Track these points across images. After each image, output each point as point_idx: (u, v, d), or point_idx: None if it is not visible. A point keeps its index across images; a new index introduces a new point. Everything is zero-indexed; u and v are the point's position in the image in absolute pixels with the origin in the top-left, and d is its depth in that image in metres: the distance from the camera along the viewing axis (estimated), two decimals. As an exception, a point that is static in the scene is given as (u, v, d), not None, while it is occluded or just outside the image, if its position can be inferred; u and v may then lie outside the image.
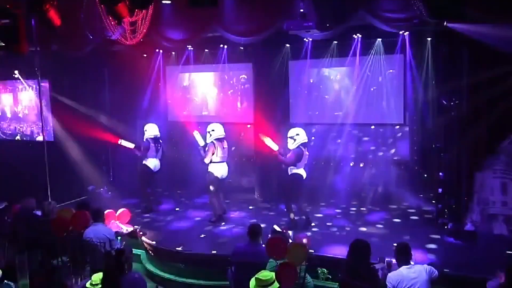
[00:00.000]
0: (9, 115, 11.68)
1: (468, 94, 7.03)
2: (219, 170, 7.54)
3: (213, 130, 7.55)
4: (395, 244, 4.70)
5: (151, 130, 8.37)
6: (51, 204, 6.34)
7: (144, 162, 8.39)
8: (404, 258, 4.35)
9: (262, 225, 5.37)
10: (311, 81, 9.08)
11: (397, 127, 8.66)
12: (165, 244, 6.82)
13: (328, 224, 7.50)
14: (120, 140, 8.41)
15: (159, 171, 8.57)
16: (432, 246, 6.46)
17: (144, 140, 8.41)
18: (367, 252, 4.28)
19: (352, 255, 4.31)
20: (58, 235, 5.65)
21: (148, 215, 8.33)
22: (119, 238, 6.12)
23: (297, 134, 7.15)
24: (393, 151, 8.76)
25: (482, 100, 7.04)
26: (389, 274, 4.37)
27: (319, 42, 8.24)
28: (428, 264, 4.48)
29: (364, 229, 7.31)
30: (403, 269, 4.26)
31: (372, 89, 8.50)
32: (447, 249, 6.40)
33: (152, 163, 8.35)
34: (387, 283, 4.25)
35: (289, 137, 7.20)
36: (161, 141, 8.59)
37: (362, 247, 4.30)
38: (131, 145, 8.48)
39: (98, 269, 4.58)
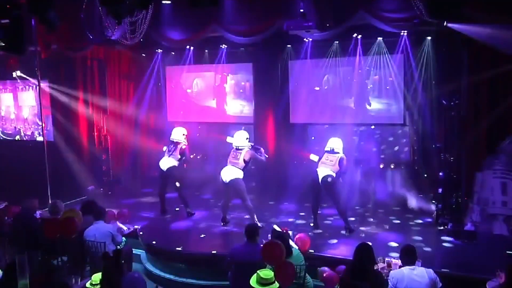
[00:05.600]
0: (12, 116, 11.68)
1: (468, 94, 7.05)
2: (222, 171, 7.41)
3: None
4: (395, 244, 4.69)
5: (171, 134, 8.24)
6: (57, 203, 6.32)
7: None
8: (408, 259, 4.35)
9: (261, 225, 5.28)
10: (311, 81, 9.07)
11: (397, 127, 8.66)
12: (165, 244, 6.82)
13: (327, 222, 7.51)
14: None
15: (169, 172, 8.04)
16: (432, 246, 6.46)
17: None
18: (371, 255, 4.30)
19: (356, 258, 4.32)
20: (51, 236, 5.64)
21: (148, 215, 8.32)
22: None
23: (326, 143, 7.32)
24: (393, 151, 8.77)
25: (482, 100, 7.07)
26: (390, 272, 4.39)
27: (319, 42, 8.26)
28: (429, 266, 4.49)
29: (363, 228, 7.32)
30: (405, 268, 4.27)
31: (371, 88, 8.52)
32: (447, 249, 6.41)
33: (161, 161, 8.08)
34: (388, 280, 4.26)
35: None
36: (180, 144, 8.06)
37: (366, 250, 4.31)
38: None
39: (98, 269, 4.58)
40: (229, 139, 7.74)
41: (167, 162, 8.04)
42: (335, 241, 6.73)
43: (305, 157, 7.82)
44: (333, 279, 5.05)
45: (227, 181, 7.26)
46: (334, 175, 7.01)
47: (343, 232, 7.05)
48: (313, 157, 7.46)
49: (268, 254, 4.46)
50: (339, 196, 7.12)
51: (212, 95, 10.24)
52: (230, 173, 7.25)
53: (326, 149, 7.23)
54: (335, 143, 7.19)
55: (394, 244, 6.39)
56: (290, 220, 7.78)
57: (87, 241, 5.61)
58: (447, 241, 6.67)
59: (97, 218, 5.82)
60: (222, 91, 10.15)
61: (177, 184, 8.06)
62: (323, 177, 7.00)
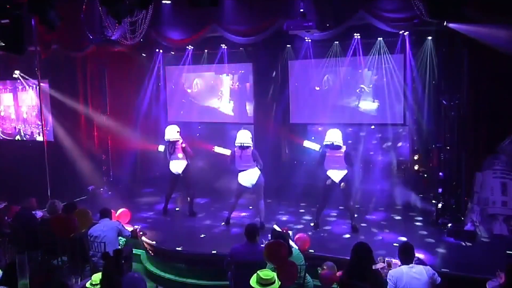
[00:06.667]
0: (12, 116, 11.69)
1: (468, 94, 7.05)
2: (240, 177, 7.33)
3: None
4: (396, 244, 4.74)
5: (165, 134, 8.11)
6: (55, 203, 6.35)
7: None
8: (406, 258, 4.36)
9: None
10: (311, 81, 9.08)
11: (397, 127, 8.67)
12: (165, 244, 6.82)
13: (327, 222, 7.51)
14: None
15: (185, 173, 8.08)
16: (433, 246, 6.46)
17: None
18: (369, 255, 4.30)
19: (354, 258, 4.32)
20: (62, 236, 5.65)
21: (148, 215, 8.32)
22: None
23: (325, 136, 7.15)
24: (393, 151, 8.77)
25: (482, 100, 7.07)
26: (389, 271, 4.40)
27: (319, 42, 8.26)
28: (429, 265, 4.50)
29: (364, 225, 7.34)
30: (404, 267, 4.29)
31: (371, 88, 8.52)
32: (447, 249, 6.41)
33: (170, 165, 8.07)
34: (387, 280, 4.27)
35: None
36: (178, 143, 8.00)
37: (364, 250, 4.31)
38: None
39: (98, 269, 4.58)
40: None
41: (179, 165, 8.01)
42: (336, 240, 6.74)
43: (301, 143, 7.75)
44: (331, 279, 5.04)
45: (253, 184, 7.27)
46: (346, 173, 7.02)
47: (344, 227, 7.10)
48: (309, 144, 7.39)
49: (273, 253, 4.42)
50: (352, 193, 7.20)
51: (212, 95, 10.24)
52: (252, 176, 7.24)
53: (326, 142, 7.08)
54: (336, 136, 7.04)
55: (395, 244, 6.41)
56: (284, 219, 7.83)
57: (93, 236, 5.66)
58: (447, 241, 6.67)
59: (102, 216, 5.94)
60: (223, 91, 10.15)
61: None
62: (340, 181, 7.01)
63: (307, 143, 7.45)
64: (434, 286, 4.25)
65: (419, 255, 4.90)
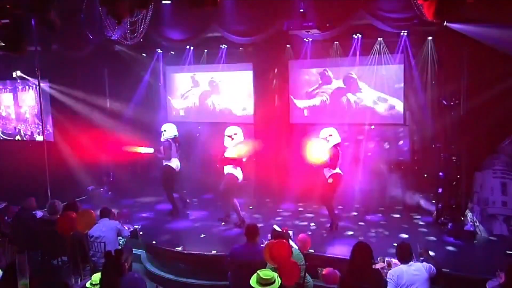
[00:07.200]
0: (12, 116, 11.68)
1: (468, 94, 7.05)
2: (240, 173, 7.38)
3: (235, 134, 7.37)
4: (395, 244, 4.75)
5: (171, 130, 8.06)
6: (55, 203, 6.34)
7: (166, 163, 8.05)
8: (404, 257, 4.38)
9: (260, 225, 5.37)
10: (311, 81, 9.07)
11: (397, 127, 8.66)
12: (165, 244, 6.82)
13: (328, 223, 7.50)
14: (138, 148, 8.20)
15: (180, 171, 8.30)
16: (433, 245, 6.46)
17: (164, 140, 8.07)
18: (369, 255, 4.30)
19: (354, 258, 4.33)
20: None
21: (148, 215, 8.32)
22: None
23: (330, 135, 7.04)
24: (393, 151, 8.76)
25: (482, 100, 7.06)
26: (389, 271, 4.42)
27: (319, 42, 8.26)
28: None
29: (363, 224, 7.36)
30: (403, 266, 4.31)
31: (371, 88, 8.51)
32: (447, 249, 6.41)
33: (175, 163, 8.08)
34: (387, 279, 4.29)
35: (322, 139, 7.05)
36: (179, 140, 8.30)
37: (364, 250, 4.32)
38: (150, 150, 8.22)
39: (98, 269, 4.58)
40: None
41: (178, 162, 8.17)
42: (336, 240, 6.75)
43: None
44: (333, 277, 5.04)
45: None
46: None
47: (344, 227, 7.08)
48: (320, 153, 7.22)
49: (276, 253, 4.39)
50: None
51: (212, 95, 10.23)
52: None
53: (339, 141, 7.06)
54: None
55: (395, 243, 6.41)
56: (279, 218, 7.80)
57: (93, 237, 5.67)
58: (447, 241, 6.68)
59: (102, 216, 5.95)
60: (223, 91, 10.14)
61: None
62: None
63: (314, 156, 7.17)
64: (432, 278, 4.29)
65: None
